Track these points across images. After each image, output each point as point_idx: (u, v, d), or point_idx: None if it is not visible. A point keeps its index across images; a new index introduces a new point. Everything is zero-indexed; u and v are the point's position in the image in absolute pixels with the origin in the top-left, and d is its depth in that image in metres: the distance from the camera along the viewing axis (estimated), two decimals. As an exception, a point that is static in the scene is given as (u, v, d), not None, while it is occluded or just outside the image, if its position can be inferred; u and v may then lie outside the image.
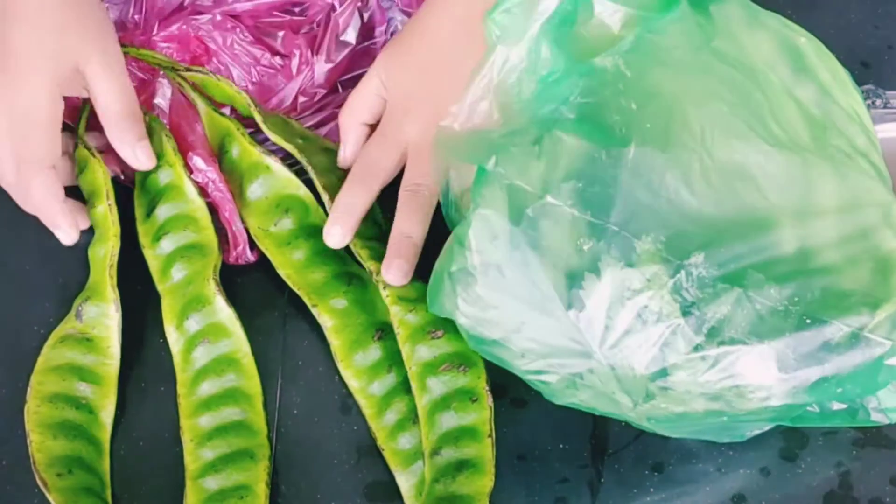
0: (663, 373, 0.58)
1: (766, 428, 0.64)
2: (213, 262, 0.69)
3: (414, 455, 0.65)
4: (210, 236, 0.71)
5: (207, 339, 0.68)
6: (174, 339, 0.69)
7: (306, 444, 0.67)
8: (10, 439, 0.66)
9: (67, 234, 0.71)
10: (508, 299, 0.59)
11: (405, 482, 0.64)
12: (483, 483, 0.62)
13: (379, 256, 0.68)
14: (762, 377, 0.58)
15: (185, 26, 0.77)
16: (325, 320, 0.69)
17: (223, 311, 0.68)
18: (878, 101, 0.78)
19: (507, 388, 0.68)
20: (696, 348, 0.57)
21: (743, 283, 0.57)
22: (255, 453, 0.65)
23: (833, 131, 0.65)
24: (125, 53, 0.73)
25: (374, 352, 0.68)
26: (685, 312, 0.57)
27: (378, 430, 0.66)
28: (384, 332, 0.69)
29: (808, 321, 0.57)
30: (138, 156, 0.71)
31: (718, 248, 0.57)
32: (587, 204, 0.57)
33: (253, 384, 0.67)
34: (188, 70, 0.75)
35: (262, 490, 0.63)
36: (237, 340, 0.68)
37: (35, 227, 0.73)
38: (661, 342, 0.57)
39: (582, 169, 0.58)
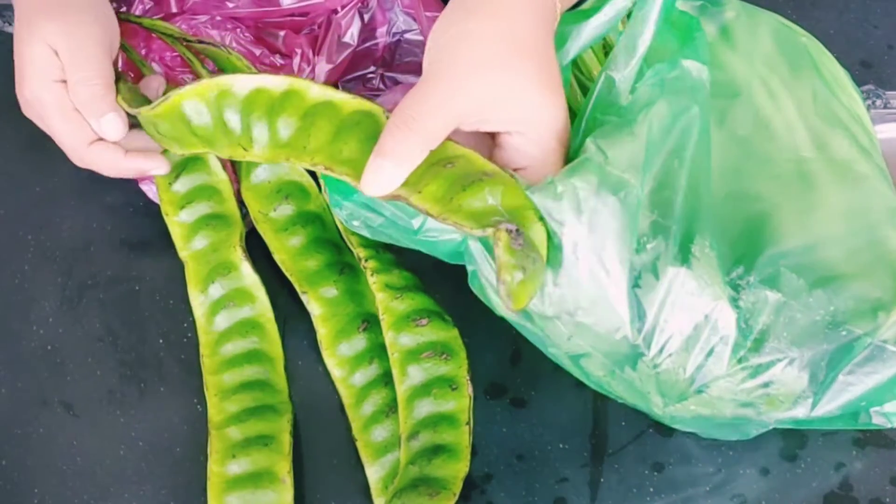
0: (705, 381, 0.58)
1: (771, 426, 0.64)
2: (238, 231, 0.71)
3: (385, 448, 0.65)
4: (232, 208, 0.71)
5: (231, 303, 0.69)
6: (198, 304, 0.70)
7: (306, 443, 0.66)
8: (10, 439, 0.66)
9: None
10: (575, 280, 0.56)
11: (373, 474, 0.65)
12: (458, 468, 0.62)
13: (369, 244, 0.68)
14: (796, 386, 0.58)
15: (183, 26, 0.77)
16: (314, 308, 0.69)
17: (249, 277, 0.69)
18: (878, 101, 0.78)
19: (507, 388, 0.68)
20: (741, 360, 0.58)
21: (782, 289, 0.57)
22: (277, 408, 0.66)
23: (834, 132, 0.65)
24: (137, 24, 0.72)
25: (359, 342, 0.68)
26: (737, 321, 0.57)
27: (354, 421, 0.67)
28: (370, 322, 0.69)
29: (844, 333, 0.57)
30: (103, 129, 0.68)
31: (761, 255, 0.58)
32: (655, 206, 0.57)
33: (275, 348, 0.69)
34: (200, 42, 0.74)
35: (286, 439, 0.64)
36: (261, 306, 0.69)
37: (35, 227, 0.73)
38: (710, 350, 0.57)
39: (657, 170, 0.57)
